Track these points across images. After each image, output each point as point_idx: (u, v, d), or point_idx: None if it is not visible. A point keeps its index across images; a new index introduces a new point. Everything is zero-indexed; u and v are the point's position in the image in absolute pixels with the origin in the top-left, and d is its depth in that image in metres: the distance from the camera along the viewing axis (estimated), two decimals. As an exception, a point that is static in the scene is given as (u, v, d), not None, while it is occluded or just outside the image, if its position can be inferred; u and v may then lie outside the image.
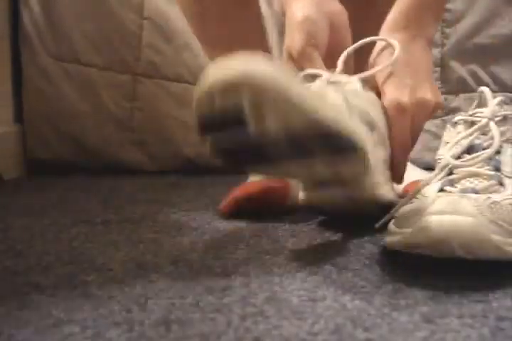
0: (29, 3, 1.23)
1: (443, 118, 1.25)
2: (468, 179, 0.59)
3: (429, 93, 0.72)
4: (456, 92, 1.35)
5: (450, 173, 0.60)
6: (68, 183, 1.12)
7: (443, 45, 1.33)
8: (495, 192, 0.58)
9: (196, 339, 0.40)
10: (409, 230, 0.54)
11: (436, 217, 0.51)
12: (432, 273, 0.54)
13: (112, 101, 1.25)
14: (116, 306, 0.46)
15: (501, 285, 0.51)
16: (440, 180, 0.60)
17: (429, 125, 1.21)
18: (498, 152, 0.61)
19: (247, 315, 0.44)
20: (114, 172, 1.19)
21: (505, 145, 0.63)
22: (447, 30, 1.33)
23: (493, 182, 0.59)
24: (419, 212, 0.53)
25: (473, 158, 0.60)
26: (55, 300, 0.47)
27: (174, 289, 0.50)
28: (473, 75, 1.35)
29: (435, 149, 0.70)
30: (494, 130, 0.62)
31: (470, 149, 0.62)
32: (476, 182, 0.59)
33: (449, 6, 1.33)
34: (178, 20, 1.24)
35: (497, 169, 0.60)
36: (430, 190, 0.59)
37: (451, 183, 0.59)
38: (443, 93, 1.34)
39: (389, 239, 0.57)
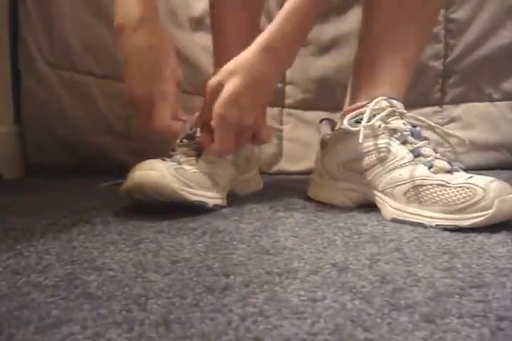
0: (28, 12, 1.22)
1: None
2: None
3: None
4: (457, 102, 1.35)
5: None
6: (68, 183, 1.12)
7: (446, 56, 1.33)
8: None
9: (196, 339, 0.40)
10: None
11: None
12: (431, 273, 0.54)
13: (109, 110, 1.25)
14: (116, 306, 0.46)
15: (501, 285, 0.51)
16: None
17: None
18: None
19: (247, 315, 0.44)
20: (114, 173, 1.19)
21: None
22: (451, 41, 1.33)
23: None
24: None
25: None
26: (55, 300, 0.47)
27: (174, 289, 0.50)
28: (475, 85, 1.35)
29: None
30: None
31: None
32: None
33: (453, 15, 1.33)
34: (176, 30, 1.25)
35: None
36: None
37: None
38: (444, 103, 1.34)
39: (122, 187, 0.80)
